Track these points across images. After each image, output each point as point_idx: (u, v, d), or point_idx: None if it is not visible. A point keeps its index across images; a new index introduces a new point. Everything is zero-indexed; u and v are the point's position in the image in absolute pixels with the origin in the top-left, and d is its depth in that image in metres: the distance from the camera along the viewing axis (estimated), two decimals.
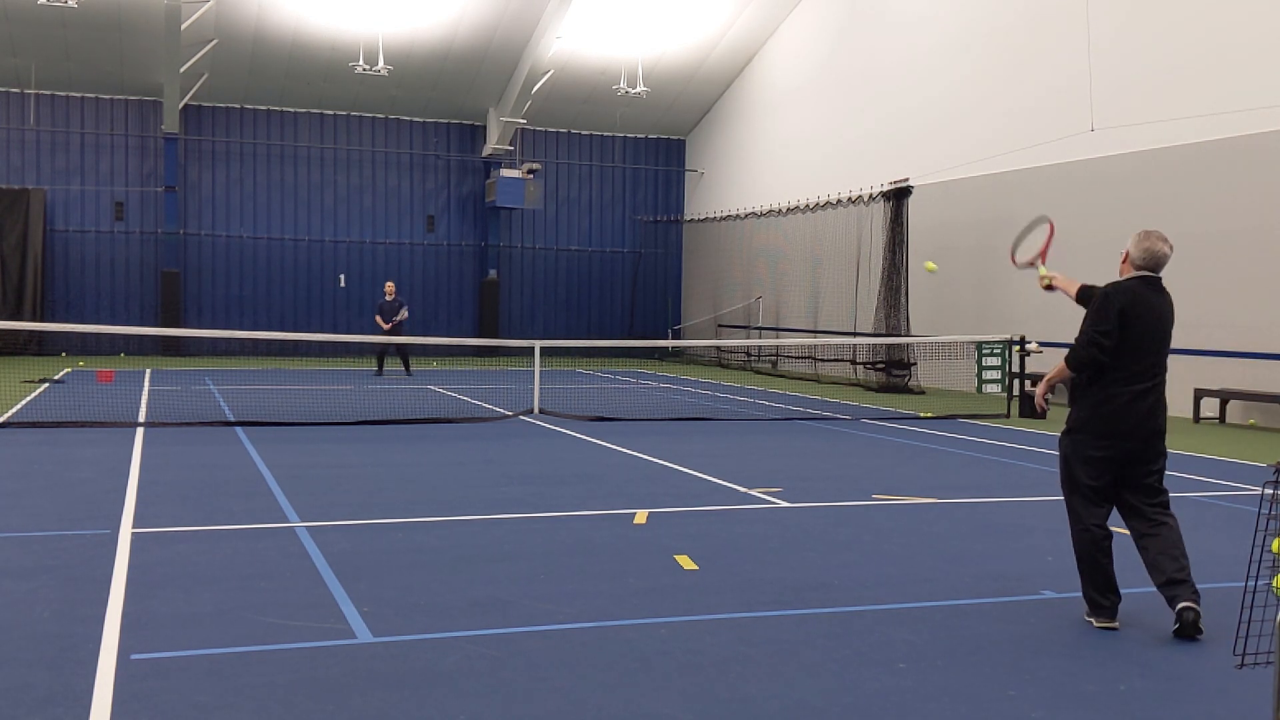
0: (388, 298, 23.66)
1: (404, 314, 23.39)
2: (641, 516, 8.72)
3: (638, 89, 29.16)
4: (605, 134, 33.21)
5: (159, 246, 29.25)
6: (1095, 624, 5.88)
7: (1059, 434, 6.17)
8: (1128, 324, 5.79)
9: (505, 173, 30.55)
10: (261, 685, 4.79)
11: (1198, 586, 5.77)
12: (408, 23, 27.10)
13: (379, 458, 11.82)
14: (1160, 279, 5.97)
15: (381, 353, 24.09)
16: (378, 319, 23.44)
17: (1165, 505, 5.92)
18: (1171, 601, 5.68)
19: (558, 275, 33.02)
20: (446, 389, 20.57)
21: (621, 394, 20.64)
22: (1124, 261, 6.03)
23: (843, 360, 24.36)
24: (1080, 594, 6.05)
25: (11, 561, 6.92)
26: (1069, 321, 22.92)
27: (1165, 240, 5.94)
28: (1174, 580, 5.67)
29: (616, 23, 27.96)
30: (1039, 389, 6.39)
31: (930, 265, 13.52)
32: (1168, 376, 5.98)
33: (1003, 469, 11.95)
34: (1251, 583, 5.21)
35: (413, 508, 9.01)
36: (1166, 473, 6.01)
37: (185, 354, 29.01)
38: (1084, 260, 19.62)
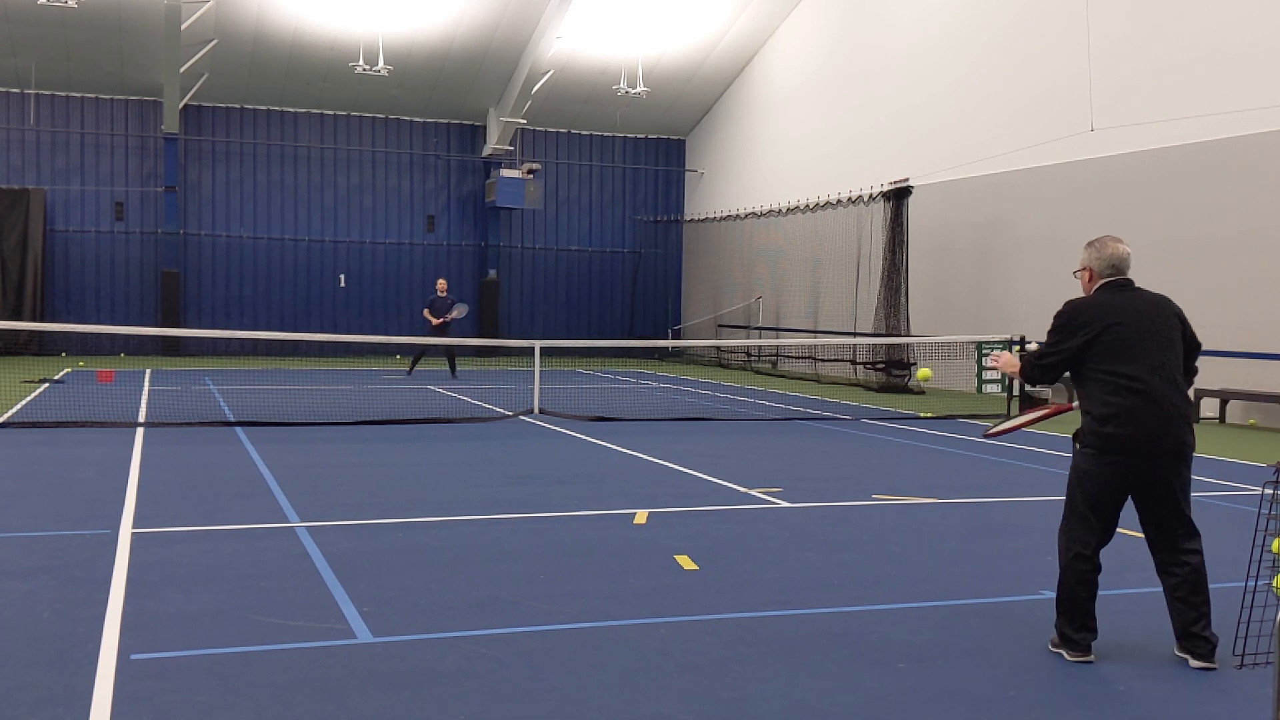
0: (440, 294, 23.34)
1: (458, 311, 22.85)
2: (641, 516, 8.72)
3: (638, 89, 29.16)
4: (605, 134, 33.20)
5: (159, 246, 29.25)
6: (1068, 657, 5.39)
7: (1071, 435, 5.74)
8: (1094, 334, 5.37)
9: (505, 173, 30.55)
10: (261, 685, 4.79)
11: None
12: (408, 23, 27.09)
13: (379, 458, 11.82)
14: (1130, 280, 5.59)
15: (420, 353, 23.91)
16: (426, 313, 23.01)
17: (1192, 535, 5.37)
18: (1185, 652, 5.34)
19: (558, 275, 33.02)
20: (446, 389, 20.57)
21: (621, 394, 20.64)
22: (1089, 279, 5.64)
23: (843, 360, 24.36)
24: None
25: (11, 561, 6.92)
26: None
27: (1119, 240, 5.61)
28: (1189, 634, 5.30)
29: (616, 23, 27.96)
30: (1008, 358, 5.90)
31: (924, 373, 13.85)
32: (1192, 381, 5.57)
33: (1003, 469, 11.95)
34: (1251, 583, 5.21)
35: (413, 508, 9.01)
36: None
37: (185, 354, 29.00)
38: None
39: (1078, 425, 5.54)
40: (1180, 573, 5.33)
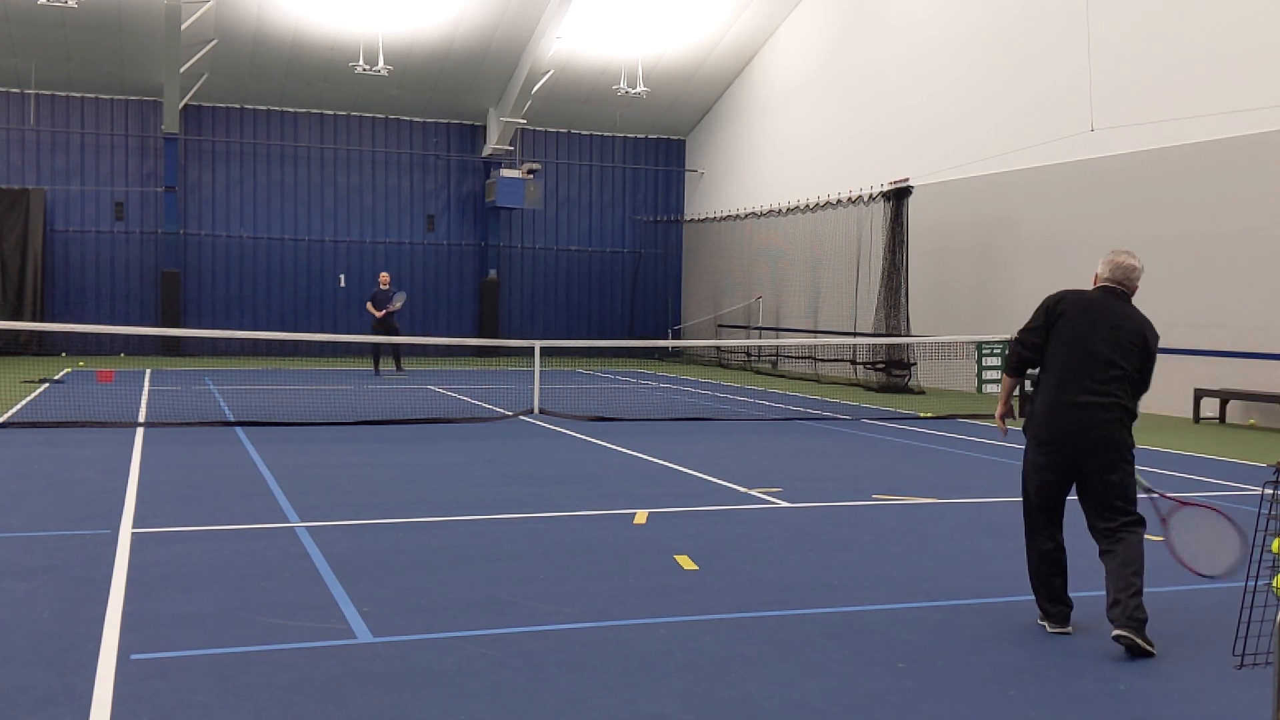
0: (382, 287, 23.28)
1: (399, 301, 22.78)
2: (641, 516, 8.72)
3: (638, 89, 29.16)
4: (605, 134, 33.21)
5: (159, 246, 29.25)
6: (1049, 629, 5.78)
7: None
8: (1061, 326, 5.70)
9: (505, 173, 30.55)
10: (261, 685, 4.79)
11: (1199, 587, 5.71)
12: (408, 23, 27.10)
13: (379, 458, 11.82)
14: (1125, 292, 5.79)
15: (375, 351, 23.84)
16: (369, 307, 23.10)
17: (1127, 524, 5.58)
18: (1112, 623, 5.44)
19: (558, 275, 33.02)
20: (446, 389, 20.56)
21: (621, 394, 20.64)
22: (1095, 282, 5.94)
23: (843, 360, 24.36)
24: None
25: (11, 561, 6.92)
26: None
27: (1134, 255, 5.83)
28: (1114, 602, 5.43)
29: (616, 23, 27.96)
30: (998, 410, 6.22)
31: None
32: (1137, 384, 5.72)
33: (1003, 469, 11.94)
34: (1251, 583, 5.21)
35: (413, 508, 9.01)
36: (1134, 480, 5.67)
37: (185, 354, 29.00)
38: (1083, 260, 19.62)
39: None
40: (1116, 549, 5.58)
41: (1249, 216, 17.05)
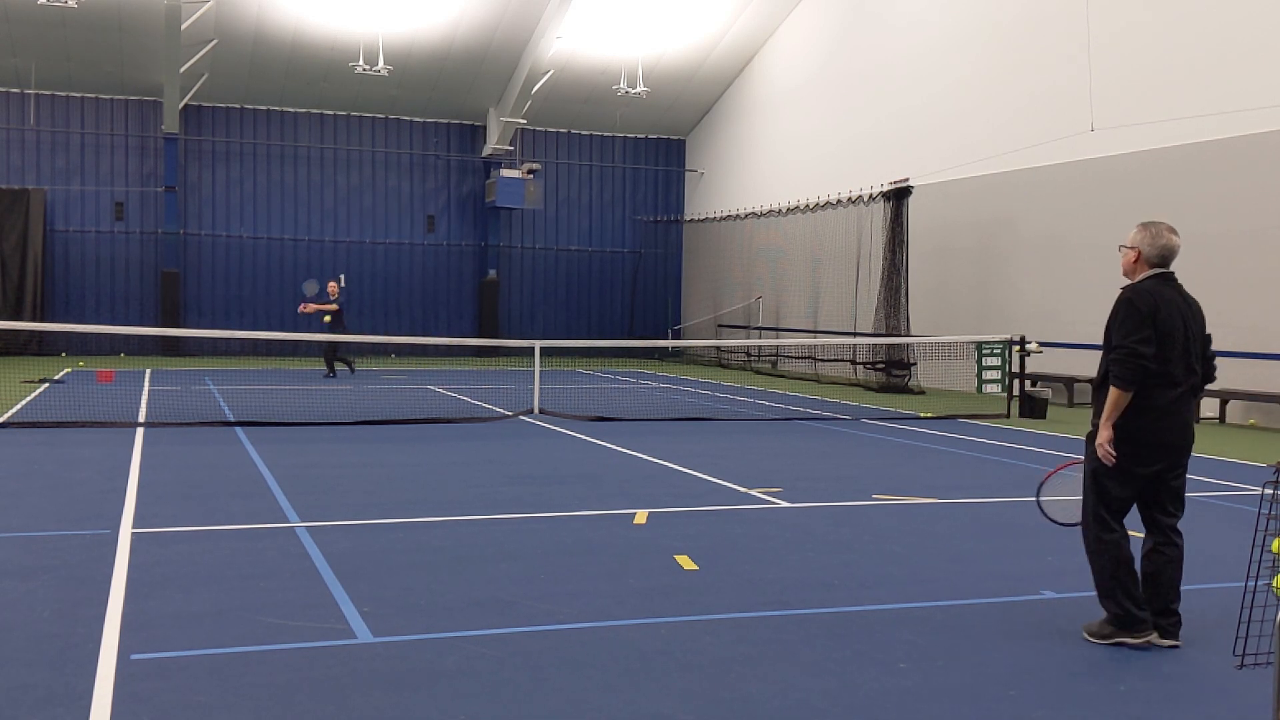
0: (310, 292, 22.85)
1: (311, 290, 21.89)
2: (641, 516, 8.72)
3: (638, 89, 29.16)
4: (605, 134, 33.21)
5: (159, 246, 29.25)
6: (1133, 641, 5.50)
7: (1085, 436, 5.77)
8: (1156, 328, 5.45)
9: (505, 173, 30.55)
10: (261, 685, 4.79)
11: (1199, 587, 5.73)
12: (408, 23, 27.10)
13: (379, 458, 11.81)
14: (1173, 274, 5.69)
15: (327, 351, 22.79)
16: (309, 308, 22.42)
17: (1176, 524, 5.64)
18: (1162, 631, 5.53)
19: (558, 275, 33.02)
20: (446, 389, 20.56)
21: (621, 394, 20.64)
22: (1135, 260, 5.66)
23: (843, 360, 24.36)
24: (1095, 598, 5.69)
25: (11, 561, 6.92)
26: (1069, 323, 22.97)
27: (1174, 231, 5.69)
28: (1167, 610, 5.53)
29: (616, 23, 27.96)
30: (1102, 435, 5.53)
31: None
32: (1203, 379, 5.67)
33: (1003, 469, 11.94)
34: (1251, 583, 5.21)
35: (413, 508, 9.01)
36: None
37: (185, 354, 29.01)
38: (1083, 260, 19.65)
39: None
40: (1169, 553, 5.56)
41: (1249, 216, 17.05)
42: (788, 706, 4.69)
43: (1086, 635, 5.63)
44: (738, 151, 31.23)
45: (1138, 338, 5.41)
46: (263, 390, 19.63)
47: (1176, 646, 5.42)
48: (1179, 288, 5.65)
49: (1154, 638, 5.49)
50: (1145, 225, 5.65)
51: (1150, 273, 5.63)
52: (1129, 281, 5.70)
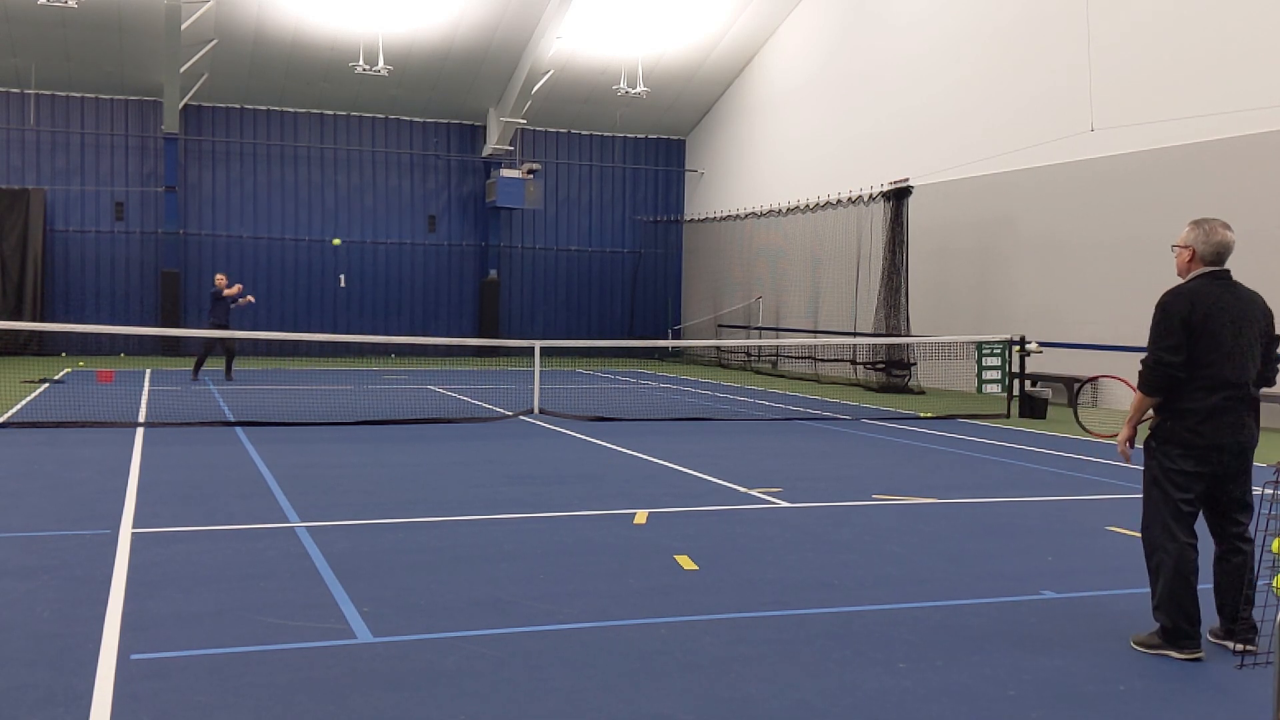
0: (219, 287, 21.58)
1: (218, 280, 21.04)
2: (641, 516, 8.72)
3: (638, 89, 29.16)
4: (605, 134, 33.21)
5: (159, 246, 29.26)
6: (1179, 657, 5.38)
7: (1143, 444, 5.65)
8: (1195, 330, 5.35)
9: (505, 173, 30.55)
10: (261, 685, 4.79)
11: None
12: (408, 23, 27.10)
13: (379, 458, 11.82)
14: (1229, 272, 5.52)
15: (205, 352, 21.75)
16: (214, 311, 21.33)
17: (1245, 531, 5.49)
18: (1235, 636, 5.40)
19: (558, 275, 33.02)
20: (446, 389, 20.57)
21: (621, 394, 20.64)
22: (1190, 259, 5.54)
23: (843, 360, 24.36)
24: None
25: (11, 561, 6.92)
26: (1069, 323, 22.96)
27: (1228, 226, 5.51)
28: (1241, 616, 5.35)
29: (616, 23, 27.96)
30: (1122, 435, 5.64)
31: None
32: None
33: (1003, 469, 11.95)
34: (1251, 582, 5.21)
35: (413, 508, 9.01)
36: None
37: (185, 354, 28.98)
38: (1083, 260, 19.66)
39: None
40: (1236, 562, 5.46)
41: (1249, 217, 17.02)
42: (788, 706, 4.69)
43: (1134, 644, 5.56)
44: (738, 151, 31.23)
45: (1165, 345, 5.39)
46: (263, 390, 19.63)
47: (1251, 652, 5.16)
48: (1232, 286, 5.51)
49: (1201, 655, 5.37)
50: (1197, 222, 5.57)
51: (1200, 271, 5.52)
52: (1180, 281, 5.60)
